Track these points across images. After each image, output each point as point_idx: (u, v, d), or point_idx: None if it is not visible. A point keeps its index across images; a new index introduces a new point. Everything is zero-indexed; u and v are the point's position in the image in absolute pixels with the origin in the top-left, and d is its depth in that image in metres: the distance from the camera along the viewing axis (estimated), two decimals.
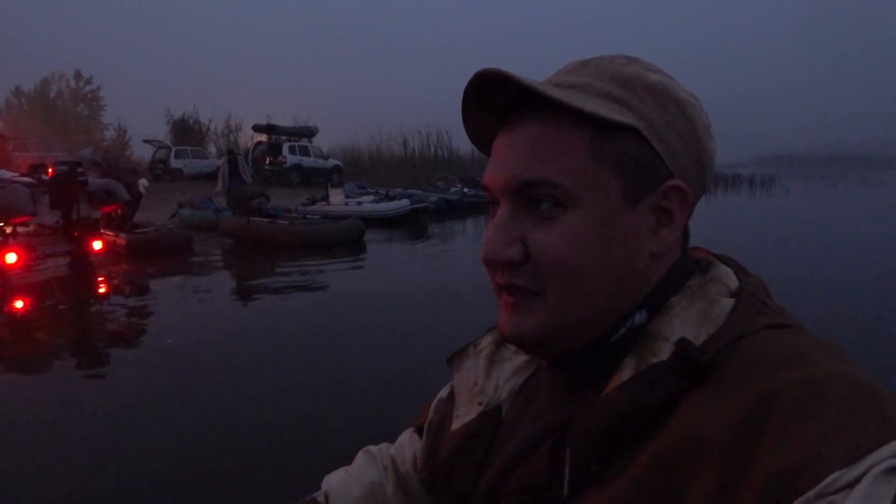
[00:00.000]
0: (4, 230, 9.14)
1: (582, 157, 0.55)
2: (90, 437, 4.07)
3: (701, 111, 0.60)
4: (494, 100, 0.59)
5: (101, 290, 9.55)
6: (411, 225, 16.81)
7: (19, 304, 8.17)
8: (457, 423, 0.72)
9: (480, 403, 0.71)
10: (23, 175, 10.27)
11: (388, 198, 18.68)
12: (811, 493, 0.39)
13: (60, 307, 8.23)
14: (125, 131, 44.77)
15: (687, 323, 0.54)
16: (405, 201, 18.13)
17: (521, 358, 0.73)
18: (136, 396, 4.80)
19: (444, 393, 0.82)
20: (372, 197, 18.82)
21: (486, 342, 0.77)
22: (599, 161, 0.55)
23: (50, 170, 9.99)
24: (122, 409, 4.55)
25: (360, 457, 0.88)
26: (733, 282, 0.58)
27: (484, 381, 0.73)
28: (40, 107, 44.54)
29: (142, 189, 12.67)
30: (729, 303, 0.55)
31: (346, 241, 12.76)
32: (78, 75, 47.77)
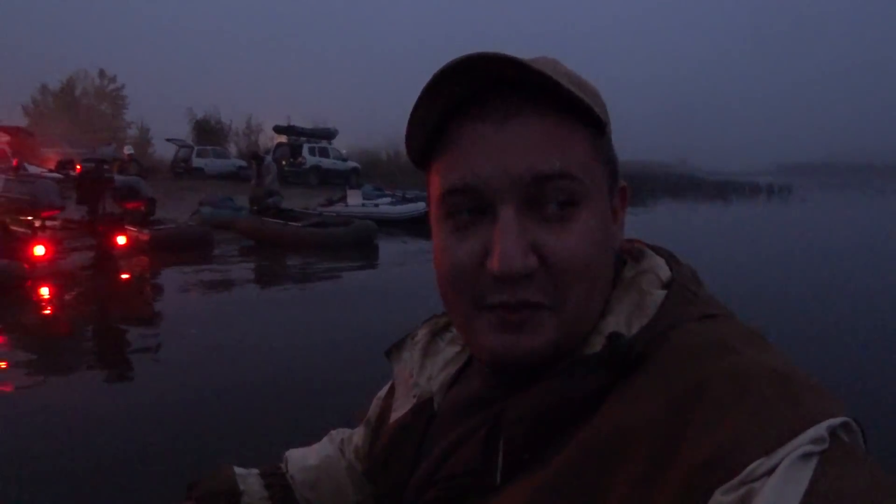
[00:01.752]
0: (33, 223, 9.47)
1: (587, 152, 0.55)
2: (112, 424, 4.28)
3: None
4: (450, 90, 0.54)
5: (124, 282, 9.84)
6: (427, 227, 16.92)
7: (44, 293, 8.43)
8: (394, 416, 0.73)
9: (414, 396, 0.71)
10: (51, 171, 10.62)
11: (405, 200, 18.80)
12: (733, 481, 0.40)
13: (85, 298, 8.50)
14: (147, 130, 45.39)
15: (620, 315, 0.55)
16: (421, 204, 18.23)
17: (454, 349, 0.73)
18: (159, 387, 5.01)
19: (383, 389, 0.84)
20: (389, 199, 18.96)
21: (422, 334, 0.77)
22: (597, 156, 0.56)
23: (78, 166, 10.30)
24: (145, 397, 4.77)
25: (324, 438, 0.93)
26: (665, 272, 0.58)
27: (418, 373, 0.73)
28: (65, 104, 45.25)
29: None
30: (660, 294, 0.55)
31: (357, 243, 12.96)
32: (102, 74, 48.53)
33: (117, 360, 5.98)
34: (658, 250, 0.63)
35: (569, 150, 0.53)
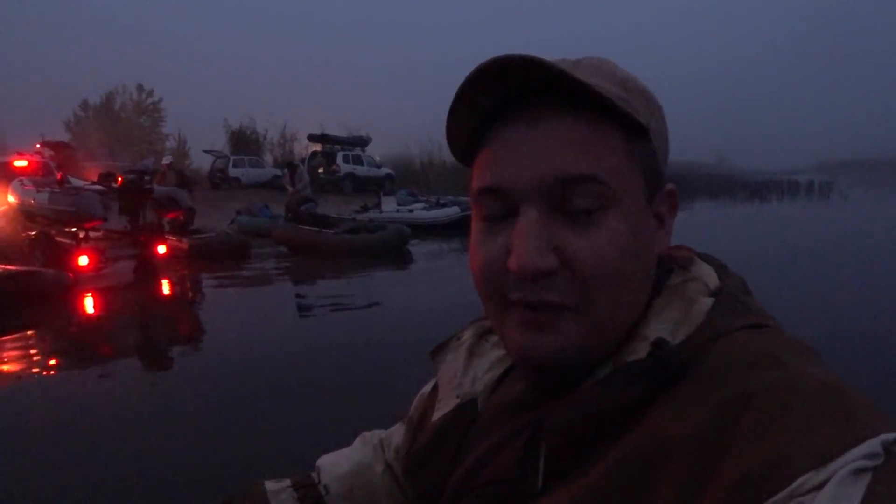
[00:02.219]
0: (77, 234, 9.76)
1: (620, 156, 0.54)
2: (155, 429, 4.39)
3: (664, 117, 0.60)
4: (486, 96, 0.55)
5: (165, 291, 10.06)
6: (461, 231, 17.02)
7: (88, 302, 8.65)
8: (436, 416, 0.73)
9: (458, 396, 0.71)
10: (94, 183, 10.92)
11: (439, 205, 18.90)
12: (780, 495, 0.39)
13: (128, 306, 8.70)
14: (185, 142, 46.32)
15: (665, 322, 0.55)
16: (455, 208, 18.31)
17: (499, 352, 0.73)
18: (198, 392, 5.10)
19: (427, 387, 0.83)
20: (423, 204, 19.07)
21: (468, 335, 0.77)
22: (633, 161, 0.55)
23: (119, 178, 10.58)
24: (188, 405, 4.87)
25: (356, 441, 0.91)
26: (713, 281, 0.58)
27: (462, 374, 0.73)
28: (105, 119, 46.41)
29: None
30: (707, 302, 0.55)
31: (390, 248, 13.07)
32: (140, 88, 49.64)
33: (158, 365, 6.11)
34: (708, 258, 0.63)
35: (600, 153, 0.53)
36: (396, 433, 0.86)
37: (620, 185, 0.53)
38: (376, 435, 0.90)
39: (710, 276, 0.58)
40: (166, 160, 16.88)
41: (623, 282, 0.53)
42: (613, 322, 0.54)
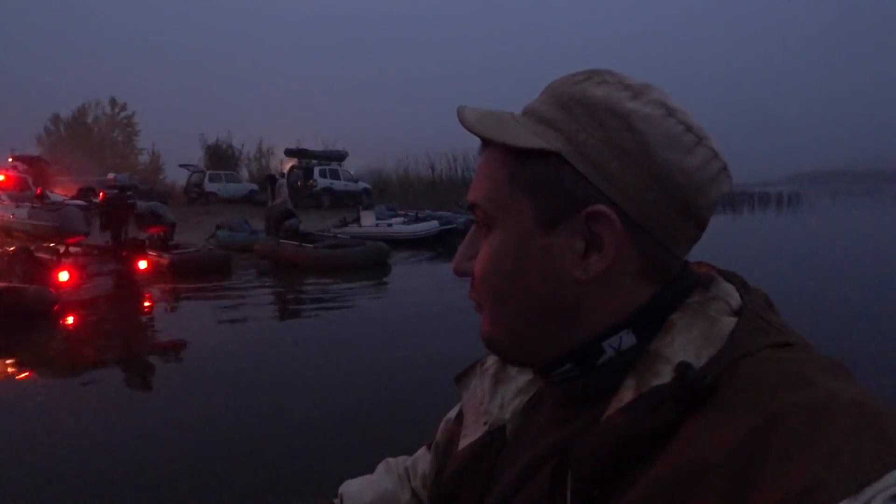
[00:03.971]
0: (57, 249, 9.70)
1: (501, 183, 0.58)
2: (139, 441, 4.43)
3: (660, 121, 0.54)
4: None
5: (146, 306, 10.05)
6: (440, 245, 17.14)
7: (70, 319, 8.59)
8: (463, 443, 0.72)
9: (486, 423, 0.70)
10: (73, 198, 10.89)
11: (418, 219, 18.97)
12: None
13: (108, 322, 8.67)
14: (159, 156, 45.99)
15: (688, 343, 0.53)
16: (434, 223, 18.41)
17: (525, 377, 0.73)
18: (182, 405, 5.15)
19: (452, 413, 0.82)
20: (401, 219, 19.11)
21: (492, 361, 0.77)
22: (514, 186, 0.57)
23: (101, 193, 10.55)
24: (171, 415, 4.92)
25: (379, 467, 0.89)
26: (735, 299, 0.56)
27: (489, 401, 0.73)
28: (78, 133, 45.89)
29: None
30: (730, 322, 0.53)
31: (371, 263, 13.16)
32: (113, 102, 49.30)
33: (142, 385, 6.12)
34: (729, 275, 0.61)
35: (490, 180, 0.59)
36: (422, 460, 0.85)
37: (495, 209, 0.58)
38: (401, 462, 0.89)
39: (732, 294, 0.57)
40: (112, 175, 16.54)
41: (499, 291, 0.59)
42: (504, 324, 0.60)
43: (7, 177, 12.99)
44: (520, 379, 0.73)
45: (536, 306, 0.57)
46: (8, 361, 6.47)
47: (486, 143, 0.60)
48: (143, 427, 4.68)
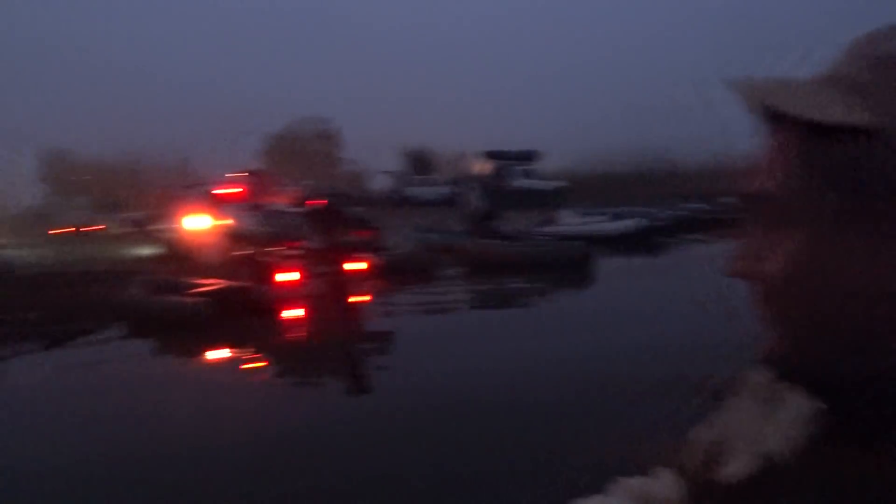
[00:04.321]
0: (281, 253, 10.58)
1: (799, 167, 0.51)
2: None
3: None
4: None
5: (360, 304, 10.65)
6: (643, 243, 16.44)
7: (292, 314, 9.40)
8: (726, 471, 0.63)
9: (757, 451, 0.62)
10: (291, 206, 11.84)
11: (618, 217, 18.53)
12: None
13: (329, 319, 9.29)
14: (364, 165, 49.12)
15: None
16: (635, 220, 17.84)
17: (802, 398, 0.63)
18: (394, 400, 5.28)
19: (702, 434, 0.70)
20: (600, 216, 18.77)
21: (758, 377, 0.66)
22: (814, 171, 0.50)
23: (313, 201, 11.34)
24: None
25: (611, 489, 0.75)
26: None
27: (761, 425, 0.64)
28: (289, 147, 50.41)
29: None
30: None
31: (572, 261, 12.95)
32: (320, 118, 53.44)
33: (357, 383, 6.33)
34: None
35: (783, 165, 0.50)
36: (663, 485, 0.72)
37: (791, 200, 0.50)
38: (636, 485, 0.75)
39: None
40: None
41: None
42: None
43: (241, 189, 14.59)
44: (794, 399, 0.61)
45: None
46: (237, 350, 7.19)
47: (778, 119, 0.46)
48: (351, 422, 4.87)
